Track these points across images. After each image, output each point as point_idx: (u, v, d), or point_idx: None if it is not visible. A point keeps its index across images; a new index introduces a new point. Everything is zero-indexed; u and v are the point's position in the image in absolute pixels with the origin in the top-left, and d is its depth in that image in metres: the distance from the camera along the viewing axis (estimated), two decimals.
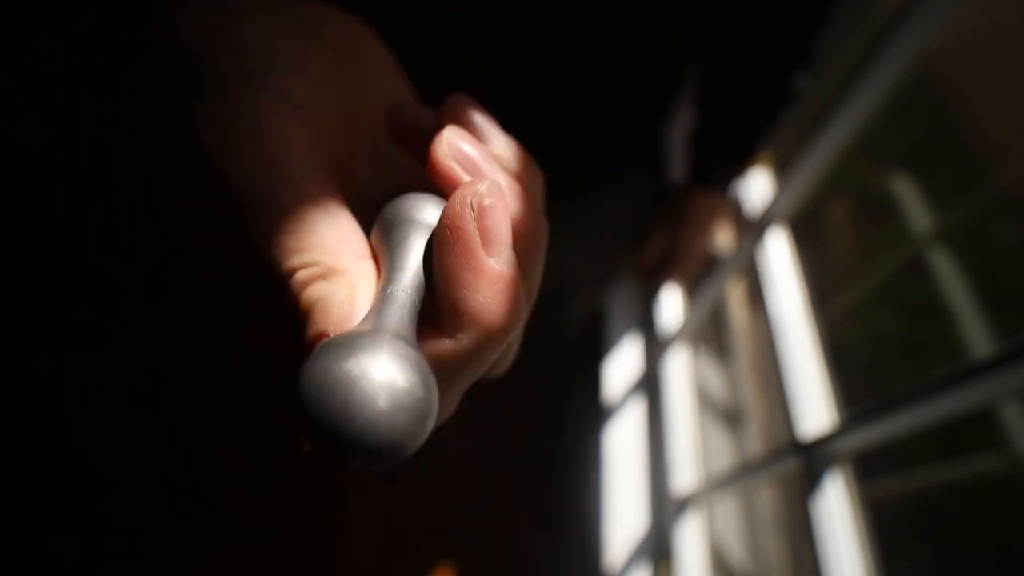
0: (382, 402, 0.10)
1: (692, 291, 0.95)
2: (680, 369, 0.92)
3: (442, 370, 0.13)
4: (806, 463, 0.53)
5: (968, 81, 0.86)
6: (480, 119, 0.18)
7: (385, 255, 0.15)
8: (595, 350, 1.08)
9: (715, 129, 0.53)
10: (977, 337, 0.73)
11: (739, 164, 0.54)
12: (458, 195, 0.13)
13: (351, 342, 0.10)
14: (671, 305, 0.98)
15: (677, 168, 0.68)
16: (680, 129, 0.63)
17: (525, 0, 0.32)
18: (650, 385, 0.98)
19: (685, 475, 0.83)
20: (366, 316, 0.13)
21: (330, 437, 0.10)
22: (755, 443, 0.87)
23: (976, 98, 0.87)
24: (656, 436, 0.93)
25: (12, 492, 0.93)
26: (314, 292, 0.14)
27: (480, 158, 0.16)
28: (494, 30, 0.33)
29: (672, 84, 0.48)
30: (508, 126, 0.40)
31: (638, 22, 0.37)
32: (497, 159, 0.17)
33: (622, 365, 1.02)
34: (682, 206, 0.58)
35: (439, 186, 0.16)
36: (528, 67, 0.36)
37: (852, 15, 0.46)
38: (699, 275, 0.88)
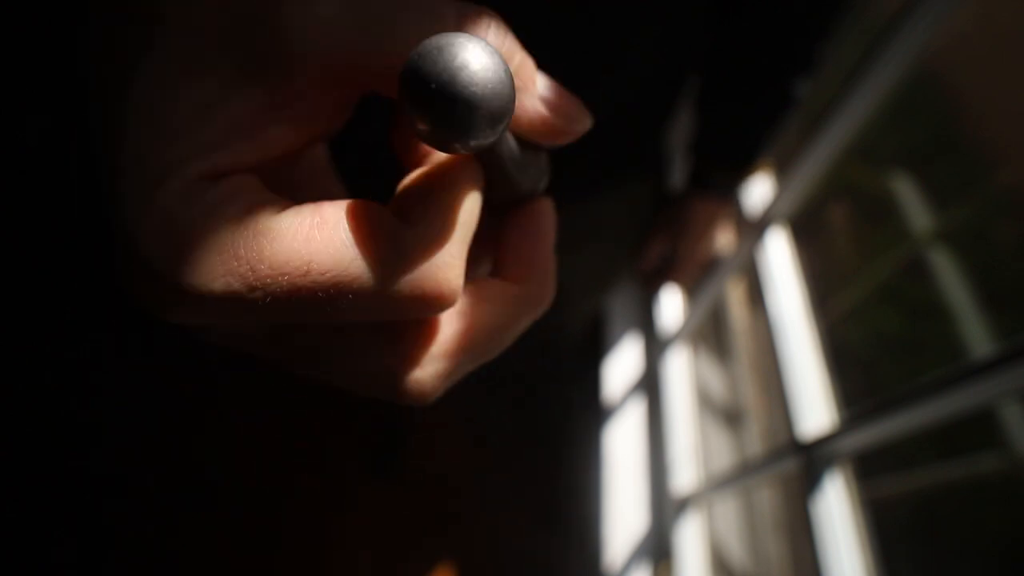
0: (486, 60, 0.11)
1: (692, 291, 0.95)
2: (680, 369, 0.92)
3: None
4: (806, 463, 0.53)
5: (968, 81, 0.86)
6: None
7: None
8: (595, 350, 1.08)
9: (716, 135, 0.53)
10: (977, 337, 0.73)
11: (739, 171, 0.54)
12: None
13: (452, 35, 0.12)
14: (671, 305, 0.98)
15: (678, 174, 0.68)
16: (681, 135, 0.63)
17: (531, 10, 0.33)
18: (650, 385, 0.98)
19: (685, 475, 0.83)
20: None
21: (445, 94, 0.11)
22: (755, 443, 0.87)
23: (976, 98, 0.87)
24: (656, 436, 0.93)
25: (13, 492, 0.93)
26: None
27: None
28: None
29: (674, 90, 0.48)
30: None
31: (641, 30, 0.37)
32: None
33: (622, 365, 1.02)
34: (682, 212, 0.58)
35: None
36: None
37: (852, 16, 0.46)
38: (699, 279, 0.88)
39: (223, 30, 0.13)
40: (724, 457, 0.91)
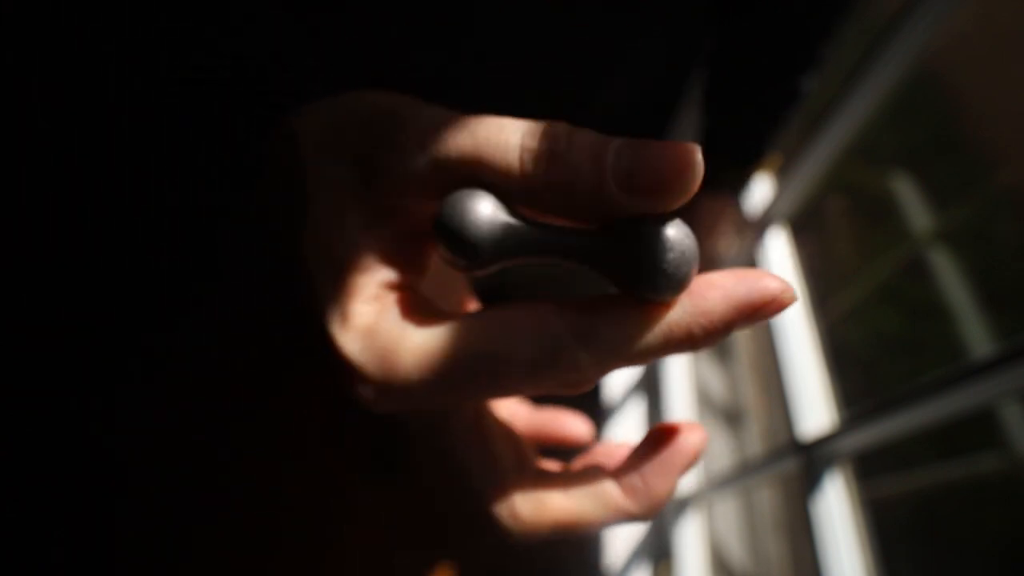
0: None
1: None
2: (680, 369, 0.92)
3: None
4: (806, 463, 0.53)
5: (968, 81, 0.86)
6: None
7: None
8: None
9: (721, 133, 0.53)
10: (977, 337, 0.73)
11: (745, 168, 0.54)
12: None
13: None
14: None
15: None
16: (686, 133, 0.63)
17: (531, 10, 0.33)
18: (650, 385, 0.98)
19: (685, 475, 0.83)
20: None
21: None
22: (755, 443, 0.87)
23: (976, 98, 0.87)
24: None
25: (13, 492, 0.93)
26: None
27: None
28: (505, 39, 0.34)
29: (675, 90, 0.48)
30: None
31: (646, 29, 0.37)
32: None
33: None
34: (687, 210, 0.58)
35: None
36: (538, 72, 0.36)
37: (852, 16, 0.46)
38: None
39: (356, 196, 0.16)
40: (724, 457, 0.91)
